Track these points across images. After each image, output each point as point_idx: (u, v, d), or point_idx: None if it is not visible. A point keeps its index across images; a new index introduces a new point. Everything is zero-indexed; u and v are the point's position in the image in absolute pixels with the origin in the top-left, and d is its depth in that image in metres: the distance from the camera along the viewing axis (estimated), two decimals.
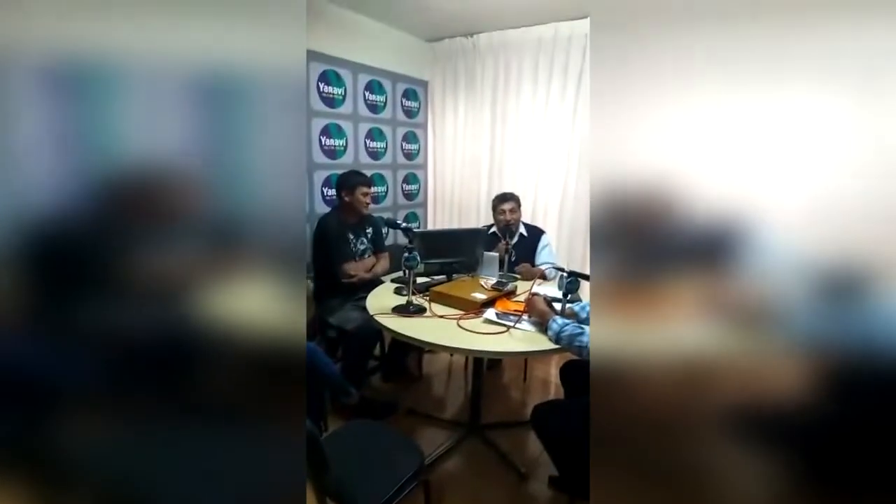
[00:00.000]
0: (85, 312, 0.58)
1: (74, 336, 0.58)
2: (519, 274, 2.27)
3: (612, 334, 0.65)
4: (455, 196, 3.59)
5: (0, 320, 0.54)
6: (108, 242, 0.60)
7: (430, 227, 3.74)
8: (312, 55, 2.56)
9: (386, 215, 3.27)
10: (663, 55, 0.61)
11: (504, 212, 2.42)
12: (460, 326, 1.62)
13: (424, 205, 3.71)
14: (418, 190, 3.63)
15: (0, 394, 0.54)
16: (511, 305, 1.80)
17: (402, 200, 3.48)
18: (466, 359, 2.73)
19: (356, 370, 2.16)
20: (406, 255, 1.75)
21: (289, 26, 0.65)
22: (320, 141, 2.72)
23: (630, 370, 0.63)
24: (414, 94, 3.39)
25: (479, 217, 3.41)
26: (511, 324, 1.59)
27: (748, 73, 0.58)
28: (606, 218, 0.67)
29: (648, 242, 0.64)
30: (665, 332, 0.61)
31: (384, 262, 2.51)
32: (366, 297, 2.06)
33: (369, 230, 2.50)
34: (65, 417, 0.57)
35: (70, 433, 0.57)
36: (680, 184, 0.61)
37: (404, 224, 1.99)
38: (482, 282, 2.04)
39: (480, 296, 1.81)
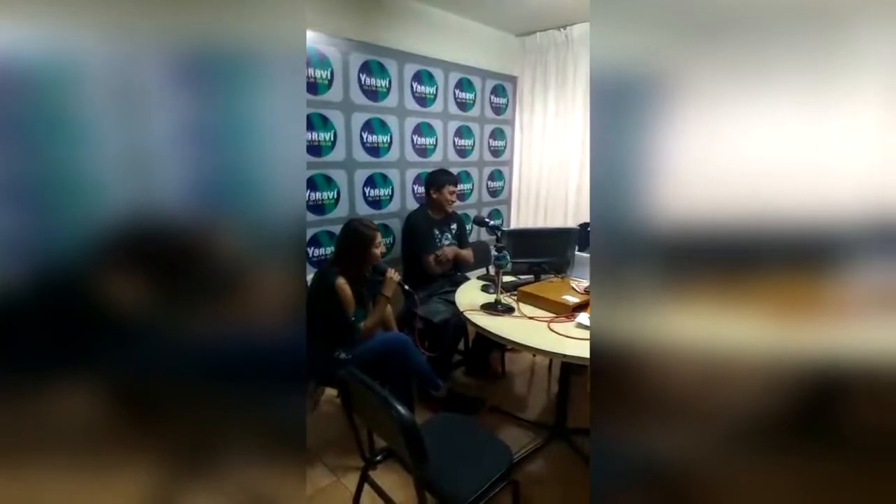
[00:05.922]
0: None
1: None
2: None
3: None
4: (540, 194, 3.50)
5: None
6: None
7: (513, 224, 3.70)
8: (407, 56, 2.65)
9: (471, 212, 3.30)
10: None
11: None
12: (551, 329, 1.59)
13: (508, 202, 3.68)
14: (503, 187, 3.61)
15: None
16: None
17: (486, 197, 3.48)
18: (550, 360, 2.68)
19: (443, 363, 2.23)
20: (496, 254, 1.75)
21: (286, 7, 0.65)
22: (412, 140, 2.81)
23: None
24: (503, 90, 3.36)
25: (567, 216, 3.30)
26: None
27: None
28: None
29: None
30: None
31: (467, 255, 2.59)
32: (452, 291, 2.12)
33: (454, 226, 2.59)
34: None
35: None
36: None
37: (492, 222, 2.01)
38: (573, 284, 1.98)
39: (572, 299, 1.76)
